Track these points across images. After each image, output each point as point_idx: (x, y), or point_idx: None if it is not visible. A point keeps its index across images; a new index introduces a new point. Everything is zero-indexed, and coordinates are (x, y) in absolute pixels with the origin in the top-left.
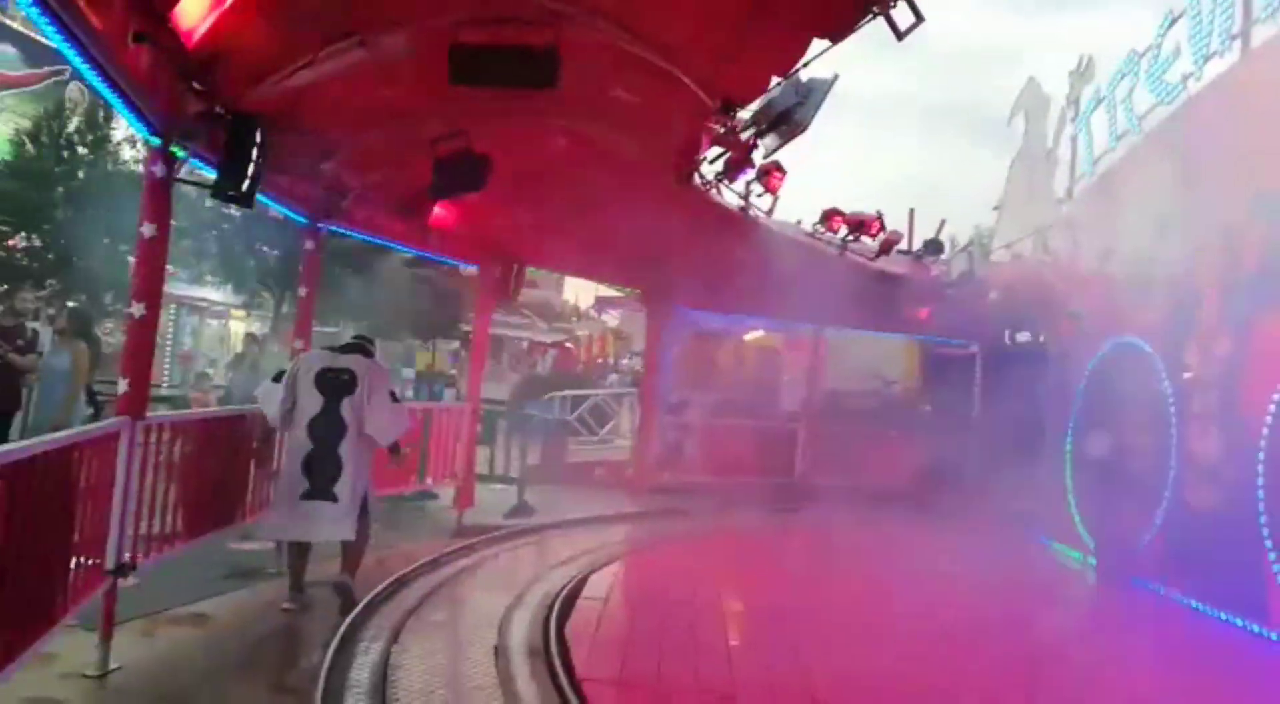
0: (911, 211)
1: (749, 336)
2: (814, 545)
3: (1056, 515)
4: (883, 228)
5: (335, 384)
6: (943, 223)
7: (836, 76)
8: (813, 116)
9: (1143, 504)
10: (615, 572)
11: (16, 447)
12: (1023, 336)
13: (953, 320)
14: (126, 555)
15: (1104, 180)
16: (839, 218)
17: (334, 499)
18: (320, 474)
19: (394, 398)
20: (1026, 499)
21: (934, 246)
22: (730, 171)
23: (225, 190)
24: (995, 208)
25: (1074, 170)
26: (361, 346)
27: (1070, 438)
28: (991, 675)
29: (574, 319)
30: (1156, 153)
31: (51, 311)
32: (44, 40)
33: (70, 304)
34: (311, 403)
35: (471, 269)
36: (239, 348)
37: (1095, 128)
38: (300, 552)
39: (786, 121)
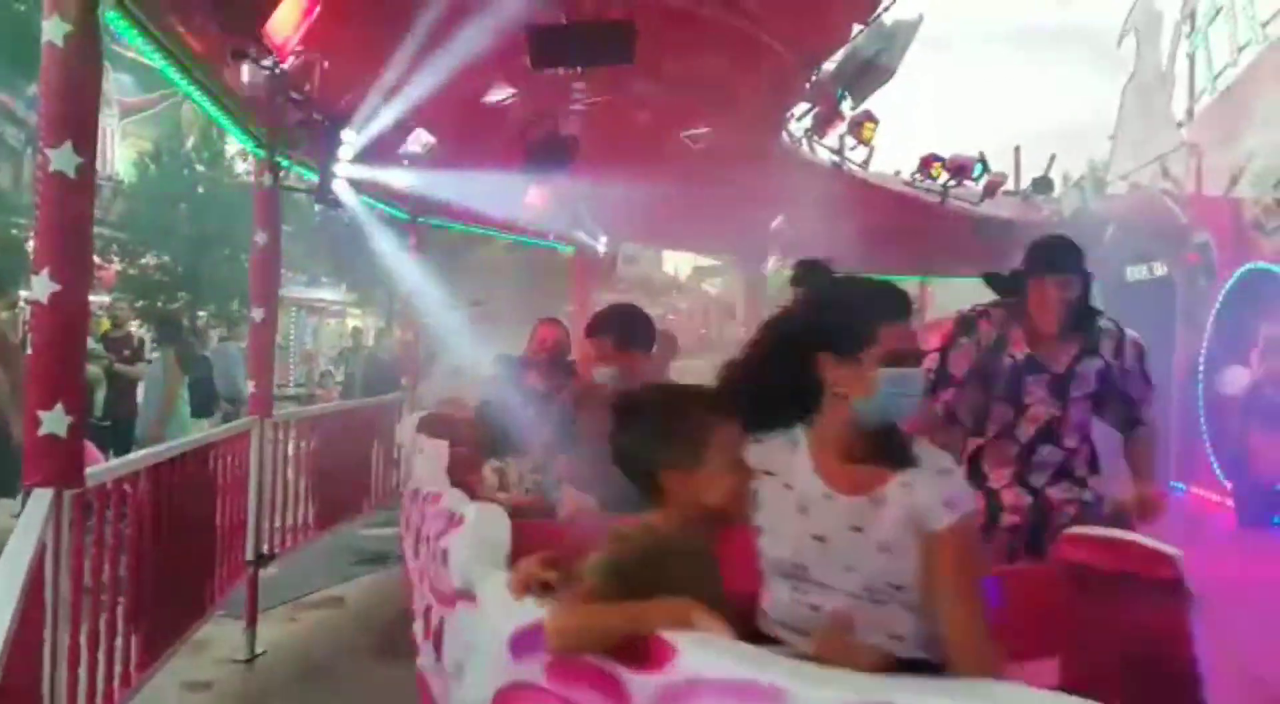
0: (1017, 150)
1: None
2: None
3: (1188, 457)
4: (985, 170)
5: None
6: (1052, 158)
7: (921, 17)
8: (899, 60)
9: None
10: None
11: (160, 449)
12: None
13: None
14: (265, 547)
15: (1226, 97)
16: (937, 164)
17: None
18: None
19: None
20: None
21: (1043, 184)
22: (820, 126)
23: (327, 194)
24: (1110, 137)
25: (1193, 89)
26: None
27: (1201, 374)
28: None
29: (674, 292)
30: None
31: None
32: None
33: (200, 313)
34: None
35: (568, 251)
36: (347, 343)
37: (1214, 41)
38: None
39: (872, 68)
